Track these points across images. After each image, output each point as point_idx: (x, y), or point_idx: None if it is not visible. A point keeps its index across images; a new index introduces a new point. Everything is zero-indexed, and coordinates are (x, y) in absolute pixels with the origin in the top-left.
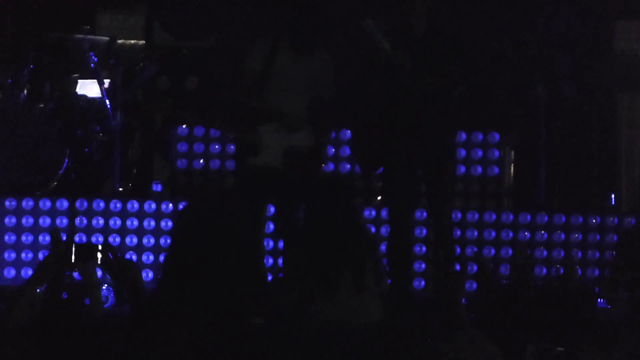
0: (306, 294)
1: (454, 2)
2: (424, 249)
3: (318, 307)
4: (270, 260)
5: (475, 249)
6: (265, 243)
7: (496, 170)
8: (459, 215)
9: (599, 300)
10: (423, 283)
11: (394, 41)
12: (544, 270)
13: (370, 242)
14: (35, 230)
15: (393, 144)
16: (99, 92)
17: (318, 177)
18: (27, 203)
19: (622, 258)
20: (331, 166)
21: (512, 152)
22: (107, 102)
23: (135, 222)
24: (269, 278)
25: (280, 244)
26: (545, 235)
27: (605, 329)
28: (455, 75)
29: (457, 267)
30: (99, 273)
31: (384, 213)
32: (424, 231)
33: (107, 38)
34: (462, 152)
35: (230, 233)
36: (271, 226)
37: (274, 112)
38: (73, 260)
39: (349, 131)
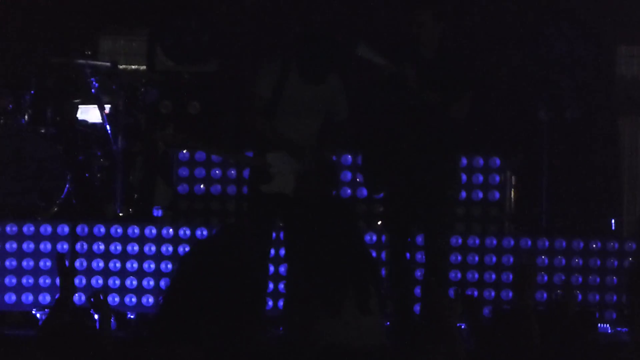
0: (310, 317)
1: (456, 25)
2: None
3: (322, 330)
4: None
5: (477, 275)
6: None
7: (497, 195)
8: (460, 240)
9: (599, 325)
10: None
11: (398, 60)
12: (545, 296)
13: (373, 266)
14: (36, 255)
15: (395, 168)
16: (100, 117)
17: (321, 201)
18: (28, 228)
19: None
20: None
21: (513, 177)
22: (108, 127)
23: (136, 248)
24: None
25: (281, 269)
26: (547, 261)
27: (606, 354)
28: (458, 96)
29: (452, 292)
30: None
31: (384, 238)
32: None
33: (109, 63)
34: (463, 177)
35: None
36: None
37: (282, 139)
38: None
39: (349, 156)
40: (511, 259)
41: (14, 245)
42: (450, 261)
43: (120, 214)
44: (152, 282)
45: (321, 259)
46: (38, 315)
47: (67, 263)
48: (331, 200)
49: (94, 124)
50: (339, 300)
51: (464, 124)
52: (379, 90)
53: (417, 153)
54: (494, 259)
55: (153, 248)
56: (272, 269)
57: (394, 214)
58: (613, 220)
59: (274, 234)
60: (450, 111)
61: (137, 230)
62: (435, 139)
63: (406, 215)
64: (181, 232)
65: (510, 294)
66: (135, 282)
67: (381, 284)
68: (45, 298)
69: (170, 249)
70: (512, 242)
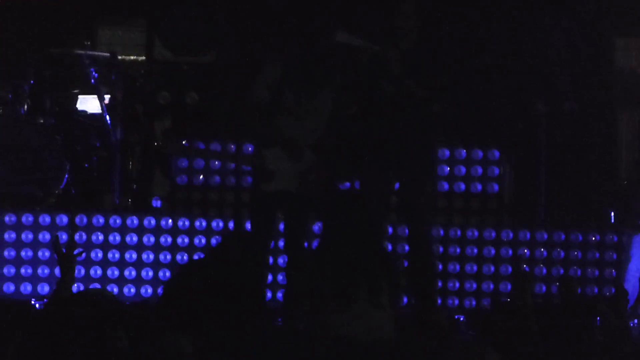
0: (321, 309)
1: (452, 17)
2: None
3: (332, 323)
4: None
5: (475, 267)
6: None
7: (496, 187)
8: (459, 232)
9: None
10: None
11: (380, 44)
12: (544, 288)
13: (388, 259)
14: (35, 245)
15: (371, 157)
16: (100, 107)
17: (337, 194)
18: (27, 218)
19: None
20: (347, 185)
21: (512, 170)
22: (107, 117)
23: (135, 238)
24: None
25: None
26: (545, 253)
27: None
28: (440, 89)
29: (440, 283)
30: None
31: (400, 231)
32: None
33: (108, 54)
34: (462, 170)
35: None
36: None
37: (280, 137)
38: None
39: None
40: (510, 252)
41: (13, 235)
42: (434, 250)
43: (119, 205)
44: (150, 273)
45: (334, 250)
46: (37, 305)
47: (63, 248)
48: (347, 193)
49: (93, 115)
50: (351, 293)
51: (442, 115)
52: (358, 75)
53: (394, 142)
54: (493, 251)
55: (152, 239)
56: (280, 261)
57: (369, 202)
58: (612, 213)
59: (280, 227)
60: (430, 111)
61: (136, 221)
62: (412, 129)
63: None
64: (180, 222)
65: (509, 287)
66: (134, 273)
67: (396, 277)
68: (44, 288)
69: (169, 239)
70: (511, 235)
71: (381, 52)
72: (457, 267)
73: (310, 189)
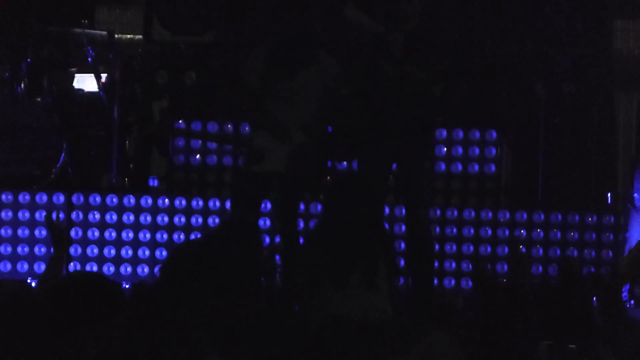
0: (317, 290)
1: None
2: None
3: (327, 303)
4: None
5: (472, 247)
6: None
7: (493, 168)
8: (455, 213)
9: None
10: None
11: (385, 27)
12: (540, 269)
13: (385, 241)
14: (32, 224)
15: (369, 137)
16: (97, 86)
17: (338, 176)
18: (24, 197)
19: None
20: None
21: (509, 150)
22: (105, 96)
23: (132, 217)
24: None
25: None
26: (542, 234)
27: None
28: (441, 71)
29: (436, 263)
30: None
31: (397, 211)
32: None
33: (105, 32)
34: (459, 150)
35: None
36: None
37: (268, 120)
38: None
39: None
40: (507, 232)
41: (10, 214)
42: (432, 232)
43: (116, 184)
44: (147, 252)
45: (332, 232)
46: (33, 284)
47: (55, 218)
48: (346, 174)
49: (90, 93)
50: (347, 274)
51: (441, 96)
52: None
53: (392, 122)
54: (490, 231)
55: (149, 218)
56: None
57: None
58: (609, 194)
59: (269, 208)
60: (431, 93)
61: (132, 200)
62: (411, 110)
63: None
64: (177, 202)
65: (506, 267)
66: (130, 252)
67: (394, 257)
68: (41, 267)
69: (166, 219)
70: (508, 215)
71: (384, 32)
72: (454, 247)
73: (299, 170)
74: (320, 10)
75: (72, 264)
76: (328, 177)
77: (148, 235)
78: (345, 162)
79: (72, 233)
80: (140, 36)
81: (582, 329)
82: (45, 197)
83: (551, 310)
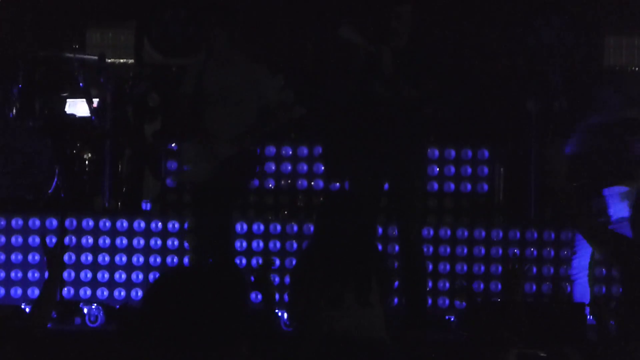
0: (312, 308)
1: (443, 16)
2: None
3: (323, 322)
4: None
5: (465, 267)
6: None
7: (485, 187)
8: (448, 232)
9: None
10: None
11: (377, 47)
12: (534, 287)
13: (378, 259)
14: (25, 249)
15: (361, 157)
16: (89, 110)
17: (329, 194)
18: (17, 222)
19: None
20: (337, 185)
21: (502, 169)
22: (97, 120)
23: (125, 241)
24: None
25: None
26: (535, 252)
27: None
28: (433, 90)
29: (430, 283)
30: None
31: (390, 231)
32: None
33: (97, 56)
34: (452, 170)
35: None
36: None
37: (198, 132)
38: None
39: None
40: (500, 251)
41: (2, 239)
42: (424, 251)
43: (109, 208)
44: (140, 276)
45: (324, 249)
46: (27, 309)
47: (49, 244)
48: (337, 192)
49: (82, 118)
50: (340, 292)
51: (432, 115)
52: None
53: (384, 142)
54: (483, 250)
55: (142, 241)
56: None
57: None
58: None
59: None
60: (421, 104)
61: (125, 224)
62: (403, 129)
63: (373, 205)
64: (170, 225)
65: (500, 286)
66: (124, 276)
67: (387, 276)
68: (34, 292)
69: (159, 242)
70: (501, 234)
71: (375, 52)
72: (447, 266)
73: (223, 183)
74: (313, 31)
75: (65, 288)
76: (321, 198)
77: (142, 259)
78: (337, 182)
79: (66, 257)
80: (132, 60)
81: (551, 336)
82: (38, 222)
83: (542, 328)
